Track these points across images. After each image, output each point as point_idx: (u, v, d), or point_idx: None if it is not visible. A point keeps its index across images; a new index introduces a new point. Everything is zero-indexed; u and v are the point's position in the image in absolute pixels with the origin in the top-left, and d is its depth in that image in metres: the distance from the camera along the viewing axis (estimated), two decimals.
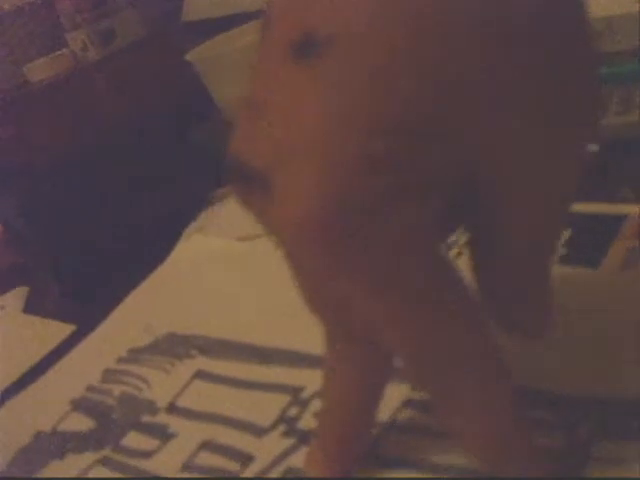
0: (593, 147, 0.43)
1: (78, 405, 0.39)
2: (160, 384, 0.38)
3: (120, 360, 0.41)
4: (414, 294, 0.21)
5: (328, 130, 0.19)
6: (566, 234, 0.36)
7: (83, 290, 0.53)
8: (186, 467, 0.32)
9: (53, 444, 0.37)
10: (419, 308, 0.21)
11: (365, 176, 0.19)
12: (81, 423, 0.38)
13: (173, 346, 0.40)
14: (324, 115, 0.19)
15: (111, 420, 0.37)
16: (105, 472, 0.34)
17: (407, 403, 0.29)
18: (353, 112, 0.19)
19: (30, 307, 0.54)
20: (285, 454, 0.30)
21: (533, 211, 0.22)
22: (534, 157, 0.21)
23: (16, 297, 0.55)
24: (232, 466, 0.30)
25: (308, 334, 0.35)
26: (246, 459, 0.30)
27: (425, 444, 0.27)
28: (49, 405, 0.41)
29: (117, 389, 0.39)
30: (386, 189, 0.19)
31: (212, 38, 0.69)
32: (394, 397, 0.29)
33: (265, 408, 0.32)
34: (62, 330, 0.47)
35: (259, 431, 0.32)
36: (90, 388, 0.40)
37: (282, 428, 0.31)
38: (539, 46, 0.19)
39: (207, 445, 0.32)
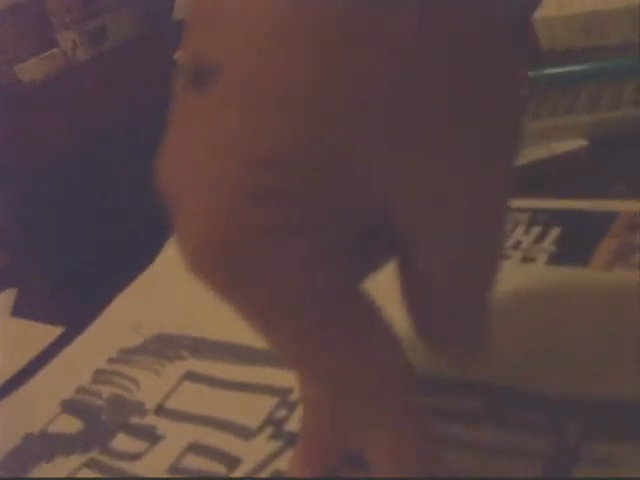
0: (583, 143, 0.43)
1: (68, 406, 0.39)
2: (150, 385, 0.38)
3: (110, 361, 0.41)
4: (300, 323, 0.20)
5: (209, 162, 0.19)
6: (556, 231, 0.35)
7: (72, 292, 0.53)
8: (173, 470, 0.32)
9: (42, 446, 0.37)
10: (306, 337, 0.20)
11: (245, 210, 0.19)
12: (70, 425, 0.38)
13: (163, 347, 0.40)
14: (206, 146, 0.19)
15: (100, 422, 0.37)
16: (92, 475, 0.34)
17: None
18: (230, 144, 0.19)
19: (19, 309, 0.54)
20: (272, 457, 0.29)
21: (453, 245, 0.21)
22: (447, 191, 0.20)
23: (4, 299, 0.55)
24: (219, 469, 0.30)
25: None
26: (233, 462, 0.30)
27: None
28: (39, 407, 0.40)
29: (107, 390, 0.39)
30: (268, 223, 0.19)
31: None
32: None
33: (253, 410, 0.32)
34: (50, 333, 0.47)
35: (247, 433, 0.31)
36: (80, 389, 0.40)
37: (269, 430, 0.31)
38: (442, 73, 0.18)
39: (194, 447, 0.32)
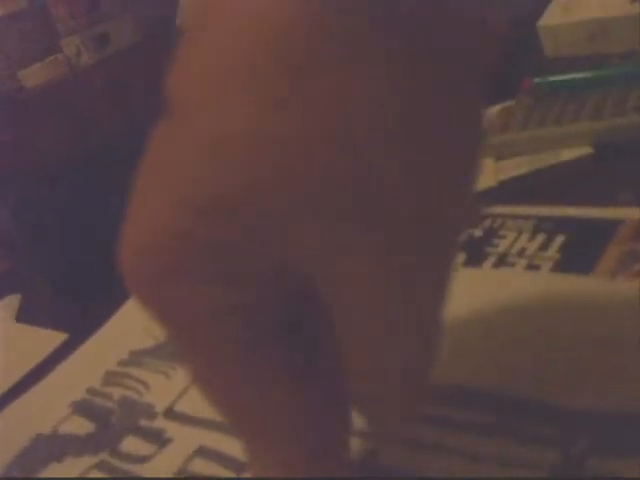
0: (588, 150, 0.43)
1: (78, 408, 0.39)
2: (160, 388, 0.38)
3: (121, 362, 0.41)
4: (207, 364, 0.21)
5: (142, 196, 0.19)
6: (561, 239, 0.35)
7: (76, 297, 0.53)
8: (180, 473, 0.32)
9: (52, 447, 0.37)
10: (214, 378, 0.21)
11: (170, 250, 0.19)
12: (81, 426, 0.38)
13: (174, 350, 0.40)
14: (144, 182, 0.19)
15: (110, 424, 0.37)
16: (101, 476, 0.34)
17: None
18: (171, 182, 0.19)
19: (23, 315, 0.54)
20: None
21: (375, 327, 0.20)
22: (375, 275, 0.19)
23: (8, 305, 0.55)
24: (226, 473, 0.30)
25: None
26: (240, 467, 0.30)
27: (423, 457, 0.27)
28: (50, 407, 0.40)
29: (117, 392, 0.39)
30: (192, 266, 0.19)
31: None
32: None
33: None
34: (54, 338, 0.47)
35: None
36: (91, 390, 0.40)
37: None
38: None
39: (202, 451, 0.32)
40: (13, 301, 0.55)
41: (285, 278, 0.20)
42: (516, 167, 0.44)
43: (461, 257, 0.37)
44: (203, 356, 0.21)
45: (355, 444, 0.28)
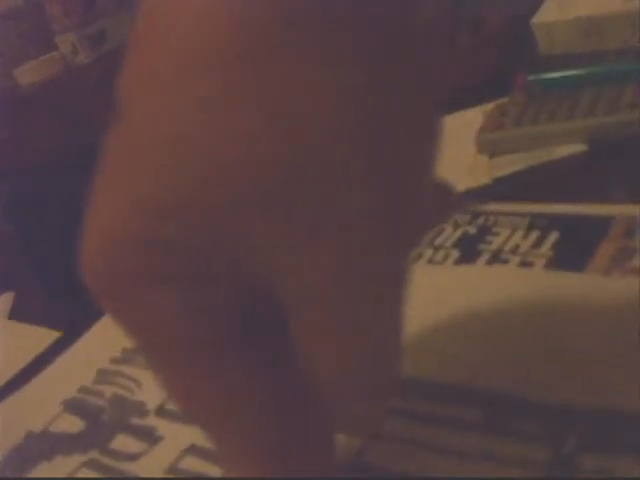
0: (581, 147, 0.43)
1: (70, 406, 0.39)
2: (151, 386, 0.38)
3: (113, 360, 0.41)
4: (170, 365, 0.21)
5: (99, 200, 0.20)
6: (554, 236, 0.35)
7: (69, 296, 0.53)
8: (170, 471, 0.32)
9: (43, 445, 0.37)
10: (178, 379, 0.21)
11: (129, 253, 0.19)
12: (72, 424, 0.38)
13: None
14: (101, 184, 0.20)
15: (101, 422, 0.37)
16: (91, 475, 0.34)
17: (392, 412, 0.29)
18: (117, 188, 0.19)
19: (16, 313, 0.54)
20: None
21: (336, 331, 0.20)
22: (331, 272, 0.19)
23: (1, 302, 0.55)
24: (216, 472, 0.30)
25: None
26: None
27: (411, 455, 0.27)
28: (42, 405, 0.40)
29: (109, 390, 0.39)
30: (149, 269, 0.19)
31: None
32: None
33: None
34: (47, 336, 0.47)
35: None
36: (82, 389, 0.40)
37: None
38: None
39: (193, 449, 0.32)
40: (6, 299, 0.55)
41: (240, 278, 0.20)
42: (510, 164, 0.44)
43: (455, 254, 0.37)
44: (164, 357, 0.21)
45: (341, 443, 0.28)
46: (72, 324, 0.47)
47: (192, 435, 0.33)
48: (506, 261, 0.35)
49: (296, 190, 0.17)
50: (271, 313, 0.21)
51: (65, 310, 0.53)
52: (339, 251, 0.18)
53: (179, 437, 0.33)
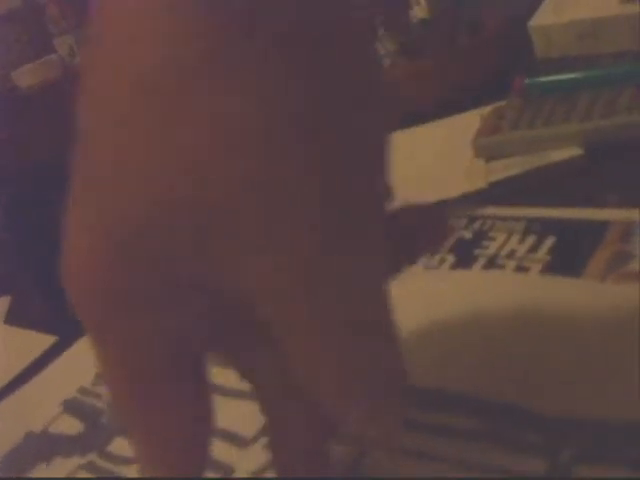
0: (578, 151, 0.43)
1: (69, 407, 0.39)
2: None
3: None
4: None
5: (70, 223, 0.20)
6: (550, 241, 0.35)
7: (67, 300, 0.53)
8: None
9: (42, 446, 0.37)
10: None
11: (94, 281, 0.20)
12: (71, 426, 0.38)
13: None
14: (71, 208, 0.20)
15: (100, 424, 0.37)
16: (89, 476, 0.34)
17: None
18: (83, 212, 0.19)
19: (12, 317, 0.53)
20: (266, 467, 0.29)
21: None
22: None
23: None
24: (213, 475, 0.30)
25: None
26: (227, 470, 0.30)
27: (408, 464, 0.27)
28: (41, 405, 0.40)
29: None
30: (112, 295, 0.20)
31: None
32: None
33: (249, 419, 0.32)
34: (43, 341, 0.47)
35: (241, 442, 0.31)
36: (82, 390, 0.40)
37: (264, 440, 0.31)
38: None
39: None
40: (2, 303, 0.55)
41: (207, 297, 0.20)
42: (507, 168, 0.44)
43: (450, 259, 0.37)
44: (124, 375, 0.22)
45: (339, 452, 0.28)
46: (68, 329, 0.47)
47: None
48: (502, 266, 0.35)
49: (246, 208, 0.18)
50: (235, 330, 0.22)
51: (61, 315, 0.52)
52: (296, 252, 0.18)
53: None
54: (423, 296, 0.35)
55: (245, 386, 0.34)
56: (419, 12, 0.61)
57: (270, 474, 0.29)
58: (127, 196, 0.18)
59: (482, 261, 0.36)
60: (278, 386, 0.24)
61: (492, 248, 0.37)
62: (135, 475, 0.32)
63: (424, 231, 0.25)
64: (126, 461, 0.33)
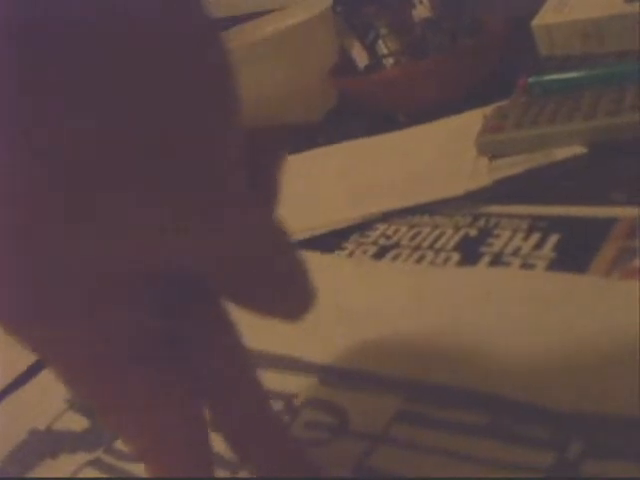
0: (582, 149, 0.43)
1: (74, 403, 0.39)
2: None
3: None
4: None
5: None
6: (555, 238, 0.35)
7: None
8: None
9: (47, 443, 0.37)
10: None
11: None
12: (76, 423, 0.37)
13: None
14: None
15: None
16: (95, 474, 0.33)
17: (399, 416, 0.29)
18: None
19: None
20: None
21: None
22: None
23: None
24: (219, 472, 0.30)
25: (303, 340, 0.35)
26: (235, 467, 0.30)
27: (417, 458, 0.27)
28: (46, 402, 0.40)
29: None
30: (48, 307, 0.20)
31: None
32: (386, 410, 0.29)
33: None
34: None
35: None
36: None
37: None
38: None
39: None
40: None
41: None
42: (510, 166, 0.44)
43: (455, 257, 0.37)
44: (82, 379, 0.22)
45: (347, 447, 0.28)
46: None
47: None
48: (507, 264, 0.35)
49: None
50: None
51: None
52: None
53: None
54: (430, 294, 0.35)
55: None
56: (422, 11, 0.61)
57: None
58: None
59: (487, 259, 0.36)
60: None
61: (497, 246, 0.37)
62: (142, 471, 0.32)
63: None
64: (133, 457, 0.33)
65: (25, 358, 0.46)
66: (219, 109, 0.19)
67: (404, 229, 0.42)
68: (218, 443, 0.26)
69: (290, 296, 0.24)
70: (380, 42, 0.62)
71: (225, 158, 0.19)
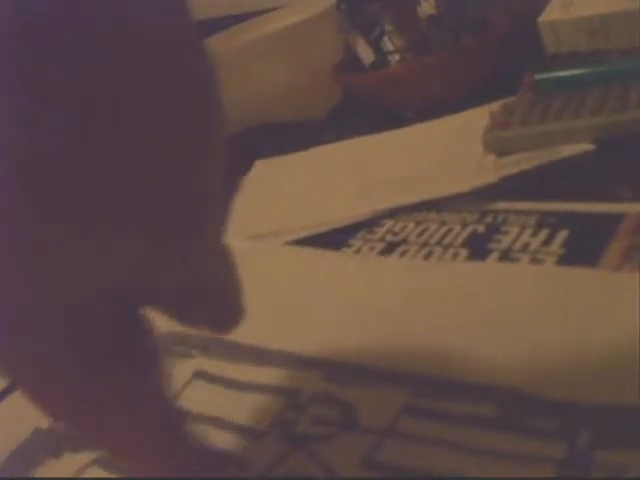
0: (589, 146, 0.43)
1: None
2: None
3: None
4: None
5: None
6: (564, 234, 0.35)
7: None
8: None
9: (50, 441, 0.37)
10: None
11: None
12: None
13: (173, 345, 0.40)
14: None
15: None
16: (99, 472, 0.33)
17: (406, 409, 0.29)
18: None
19: None
20: (280, 459, 0.29)
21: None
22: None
23: None
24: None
25: (308, 336, 0.35)
26: (240, 463, 0.30)
27: (425, 452, 0.27)
28: None
29: None
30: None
31: (207, 38, 0.69)
32: (393, 403, 0.29)
33: (261, 411, 0.32)
34: None
35: (254, 435, 0.31)
36: None
37: (278, 432, 0.31)
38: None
39: None
40: None
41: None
42: (517, 163, 0.44)
43: (463, 253, 0.37)
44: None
45: (355, 441, 0.28)
46: None
47: (202, 433, 0.33)
48: (516, 259, 0.35)
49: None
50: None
51: None
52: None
53: None
54: (439, 288, 0.35)
55: (256, 379, 0.34)
56: (427, 8, 0.61)
57: (282, 467, 0.29)
58: None
59: (496, 255, 0.36)
60: None
61: (505, 242, 0.37)
62: None
63: None
64: None
65: None
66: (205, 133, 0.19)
67: (411, 225, 0.42)
68: None
69: (223, 310, 0.25)
70: (385, 39, 0.62)
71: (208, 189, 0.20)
